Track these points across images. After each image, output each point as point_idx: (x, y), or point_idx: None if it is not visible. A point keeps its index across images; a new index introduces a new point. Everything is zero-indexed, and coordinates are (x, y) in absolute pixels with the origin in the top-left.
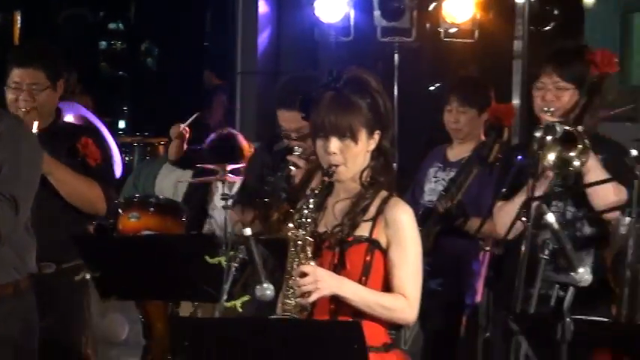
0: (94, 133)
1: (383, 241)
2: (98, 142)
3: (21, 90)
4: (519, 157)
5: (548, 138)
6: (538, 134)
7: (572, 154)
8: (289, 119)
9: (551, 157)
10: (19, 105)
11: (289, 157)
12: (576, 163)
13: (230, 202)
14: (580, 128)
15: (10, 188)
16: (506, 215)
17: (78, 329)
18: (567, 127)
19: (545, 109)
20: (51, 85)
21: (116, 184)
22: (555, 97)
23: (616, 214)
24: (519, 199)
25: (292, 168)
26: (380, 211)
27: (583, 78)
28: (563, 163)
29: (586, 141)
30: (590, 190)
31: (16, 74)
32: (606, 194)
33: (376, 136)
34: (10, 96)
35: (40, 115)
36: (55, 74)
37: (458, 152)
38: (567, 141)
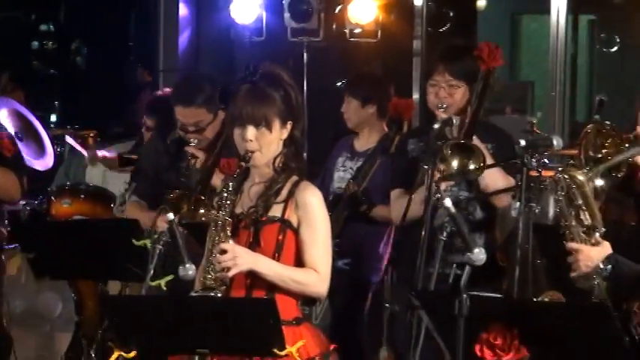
0: (5, 128)
1: (294, 221)
2: (10, 136)
3: None
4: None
5: (446, 131)
6: (436, 126)
7: (470, 161)
8: (187, 114)
9: (455, 164)
10: None
11: (187, 149)
12: (473, 167)
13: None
14: (475, 141)
15: None
16: (402, 207)
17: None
18: (463, 141)
19: (439, 105)
20: None
21: (48, 173)
22: (448, 94)
23: (507, 199)
24: (417, 196)
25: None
26: (291, 193)
27: (474, 75)
28: (463, 168)
29: (483, 151)
30: (482, 178)
31: None
32: (495, 180)
33: (288, 125)
34: None
35: None
36: None
37: (364, 143)
38: (465, 150)
